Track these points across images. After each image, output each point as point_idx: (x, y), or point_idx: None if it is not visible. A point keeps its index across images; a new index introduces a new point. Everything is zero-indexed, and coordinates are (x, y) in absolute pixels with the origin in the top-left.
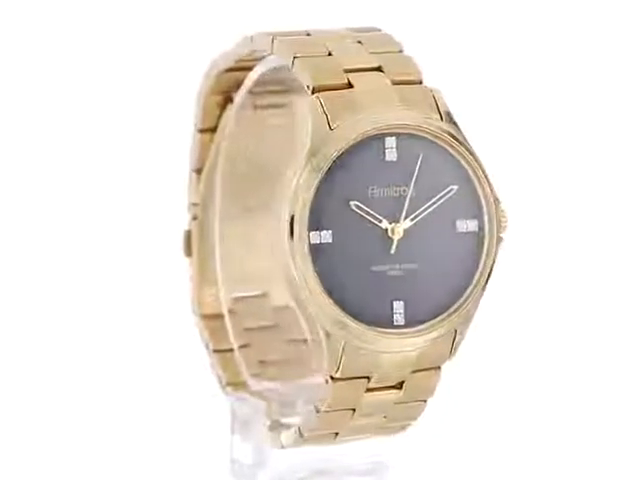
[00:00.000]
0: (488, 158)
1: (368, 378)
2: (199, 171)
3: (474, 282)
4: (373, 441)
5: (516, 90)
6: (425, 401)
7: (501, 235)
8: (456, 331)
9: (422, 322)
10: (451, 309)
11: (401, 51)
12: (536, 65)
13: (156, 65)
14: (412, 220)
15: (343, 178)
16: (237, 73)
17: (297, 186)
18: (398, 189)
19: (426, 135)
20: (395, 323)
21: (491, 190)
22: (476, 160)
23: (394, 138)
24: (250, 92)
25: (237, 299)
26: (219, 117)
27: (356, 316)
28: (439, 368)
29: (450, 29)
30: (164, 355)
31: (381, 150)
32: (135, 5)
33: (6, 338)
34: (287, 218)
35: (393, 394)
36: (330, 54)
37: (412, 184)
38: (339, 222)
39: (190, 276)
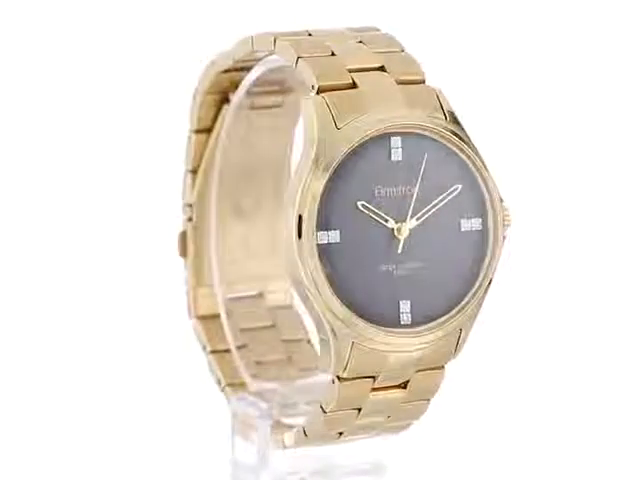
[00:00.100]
0: (491, 157)
1: (374, 378)
2: (194, 172)
3: (479, 281)
4: (373, 441)
5: (518, 89)
6: (428, 400)
7: (505, 233)
8: (461, 330)
9: (428, 321)
10: (457, 308)
11: (403, 51)
12: (536, 63)
13: (149, 66)
14: (418, 219)
15: (350, 178)
16: (234, 73)
17: (305, 186)
18: (404, 188)
19: (431, 135)
20: (402, 322)
21: (494, 189)
22: (480, 159)
23: (399, 138)
24: (248, 92)
25: (233, 300)
26: (215, 118)
27: (363, 315)
28: (443, 367)
29: (447, 29)
30: (161, 357)
31: (387, 150)
32: (132, 4)
33: (2, 339)
34: (295, 218)
35: (398, 393)
36: (333, 54)
37: (418, 183)
38: (347, 222)
39: (185, 277)
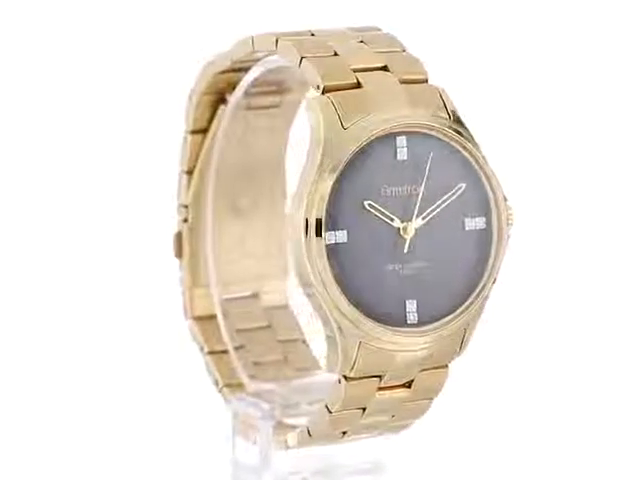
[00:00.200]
0: (494, 156)
1: (380, 377)
2: (190, 172)
3: (483, 279)
4: (373, 441)
5: (521, 87)
6: (432, 399)
7: (508, 232)
8: (466, 329)
9: (434, 320)
10: (462, 306)
11: (404, 50)
12: (535, 61)
13: (144, 67)
14: (423, 219)
15: (357, 178)
16: (232, 74)
17: (312, 187)
18: (409, 188)
19: (436, 134)
20: (408, 322)
21: (498, 188)
22: (483, 158)
23: (404, 137)
24: (245, 93)
25: (228, 300)
26: (211, 118)
27: (371, 315)
28: (447, 366)
29: (445, 29)
30: (158, 358)
31: (393, 149)
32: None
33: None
34: (303, 219)
35: (402, 393)
36: (336, 54)
37: (423, 183)
38: (354, 222)
39: (181, 278)
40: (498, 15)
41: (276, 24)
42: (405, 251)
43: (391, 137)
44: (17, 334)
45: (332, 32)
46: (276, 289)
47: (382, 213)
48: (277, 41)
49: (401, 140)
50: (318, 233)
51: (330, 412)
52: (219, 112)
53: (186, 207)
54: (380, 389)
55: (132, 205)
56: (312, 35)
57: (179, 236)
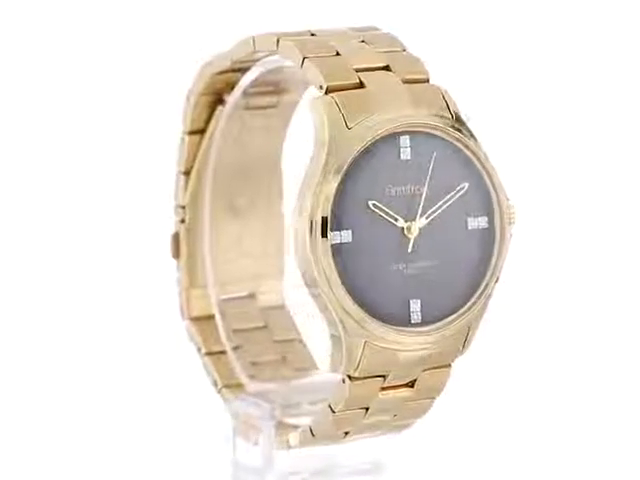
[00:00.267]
0: (496, 155)
1: (384, 377)
2: (187, 173)
3: (486, 278)
4: (373, 441)
5: (522, 87)
6: (434, 398)
7: (511, 231)
8: (469, 328)
9: (437, 320)
10: (466, 306)
11: (404, 50)
12: (536, 60)
13: (142, 68)
14: (427, 218)
15: (362, 178)
16: (230, 74)
17: (318, 187)
18: (413, 187)
19: (439, 133)
20: (412, 321)
21: (500, 187)
22: (485, 157)
23: (408, 137)
24: (244, 93)
25: (225, 300)
26: (208, 119)
27: (375, 315)
28: (449, 365)
29: (443, 29)
30: (156, 359)
31: (396, 149)
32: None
33: None
34: (309, 220)
35: (405, 392)
36: (338, 54)
37: (427, 182)
38: (358, 222)
39: (178, 279)
40: (498, 15)
41: (275, 24)
42: (409, 251)
43: (395, 137)
44: (16, 334)
45: (333, 32)
46: (273, 289)
47: (386, 213)
48: (278, 41)
49: (404, 140)
50: (323, 233)
51: (333, 412)
52: (217, 113)
53: (183, 208)
54: (383, 389)
55: (129, 206)
56: (313, 35)
57: (176, 237)
